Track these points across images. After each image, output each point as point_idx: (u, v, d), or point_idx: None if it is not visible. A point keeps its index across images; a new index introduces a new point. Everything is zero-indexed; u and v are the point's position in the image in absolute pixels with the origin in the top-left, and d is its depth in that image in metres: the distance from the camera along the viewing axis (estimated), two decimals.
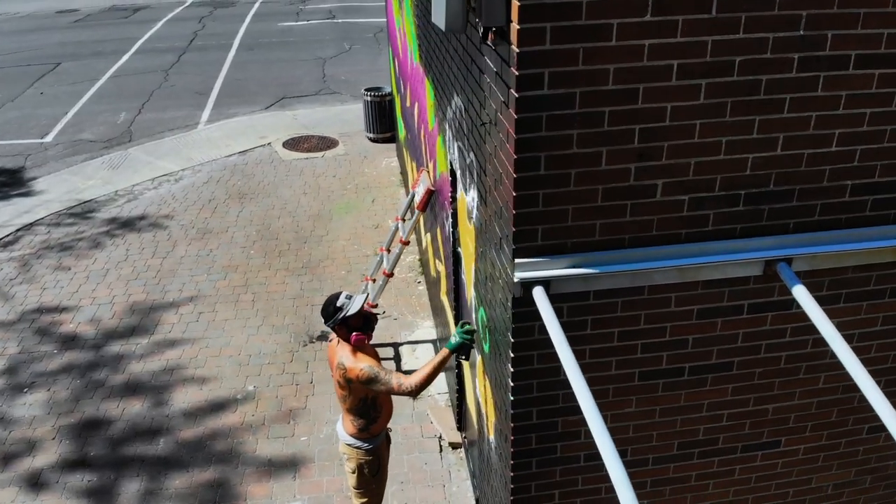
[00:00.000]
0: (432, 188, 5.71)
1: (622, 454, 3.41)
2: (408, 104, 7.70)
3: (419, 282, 7.73)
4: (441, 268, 5.72)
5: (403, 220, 6.35)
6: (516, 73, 2.50)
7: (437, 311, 6.54)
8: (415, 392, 3.95)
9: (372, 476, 4.36)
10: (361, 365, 3.97)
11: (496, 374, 3.48)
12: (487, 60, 2.98)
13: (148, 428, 5.83)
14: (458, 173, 4.22)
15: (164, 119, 12.95)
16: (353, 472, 4.35)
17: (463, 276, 4.82)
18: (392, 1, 8.61)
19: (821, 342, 3.33)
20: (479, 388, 4.24)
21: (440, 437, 5.73)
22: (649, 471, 3.55)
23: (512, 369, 3.13)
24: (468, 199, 3.93)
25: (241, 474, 5.41)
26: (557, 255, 2.86)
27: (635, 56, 2.55)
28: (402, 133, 9.32)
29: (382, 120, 11.66)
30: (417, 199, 5.87)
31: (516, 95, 2.54)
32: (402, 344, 6.81)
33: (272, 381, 6.35)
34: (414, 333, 6.96)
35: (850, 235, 3.03)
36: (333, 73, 15.66)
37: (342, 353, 4.06)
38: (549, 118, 2.59)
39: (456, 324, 5.22)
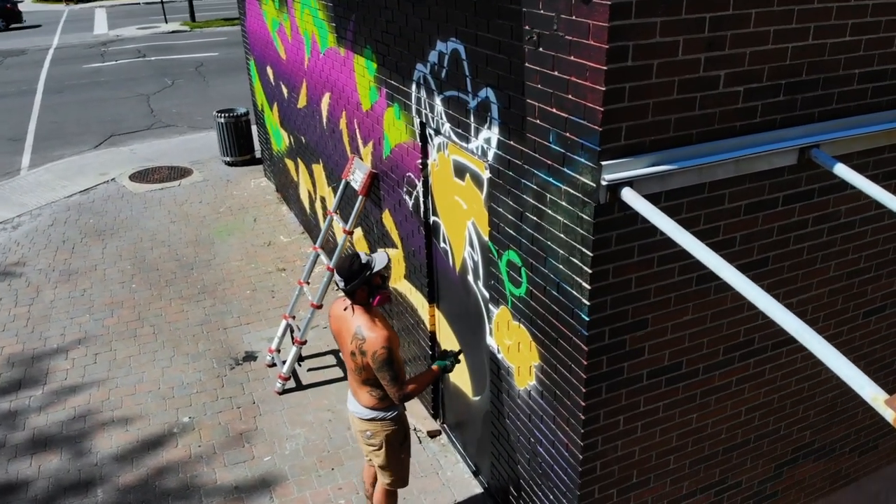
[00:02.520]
0: (374, 171, 5.48)
1: (678, 366, 3.47)
2: (301, 105, 7.37)
3: (336, 289, 7.33)
4: (393, 253, 5.47)
5: (337, 212, 6.02)
6: None
7: None
8: (405, 399, 3.84)
9: (400, 446, 4.07)
10: (382, 343, 3.69)
11: (552, 307, 3.35)
12: None
13: (77, 481, 4.93)
14: (446, 127, 4.08)
15: None
16: (381, 448, 4.01)
17: (444, 245, 4.64)
18: (262, 13, 8.24)
19: (835, 230, 3.62)
20: (496, 346, 4.07)
21: (415, 429, 5.42)
22: (699, 382, 3.60)
23: (589, 287, 3.04)
24: (473, 146, 3.79)
25: None
26: (639, 154, 2.84)
27: None
28: (281, 145, 8.89)
29: (240, 142, 11.08)
30: (358, 185, 5.59)
31: None
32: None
33: (209, 409, 5.68)
34: None
35: (860, 121, 3.31)
36: (162, 107, 14.67)
37: (359, 322, 3.77)
38: (638, 4, 2.59)
39: (431, 302, 5.02)
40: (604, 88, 2.67)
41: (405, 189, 4.99)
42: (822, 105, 3.23)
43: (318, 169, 7.31)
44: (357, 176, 5.65)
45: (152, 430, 5.45)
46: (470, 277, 4.36)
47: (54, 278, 7.74)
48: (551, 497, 3.82)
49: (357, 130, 5.75)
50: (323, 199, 7.42)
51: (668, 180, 2.95)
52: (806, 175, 3.36)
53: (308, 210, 8.26)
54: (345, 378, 6.03)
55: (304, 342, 5.90)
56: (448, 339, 4.95)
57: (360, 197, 5.56)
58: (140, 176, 10.80)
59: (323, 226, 6.23)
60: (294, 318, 6.23)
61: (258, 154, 11.28)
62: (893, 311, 4.14)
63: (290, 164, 8.69)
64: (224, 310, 7.10)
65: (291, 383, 5.94)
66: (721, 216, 3.21)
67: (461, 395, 4.92)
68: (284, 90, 7.98)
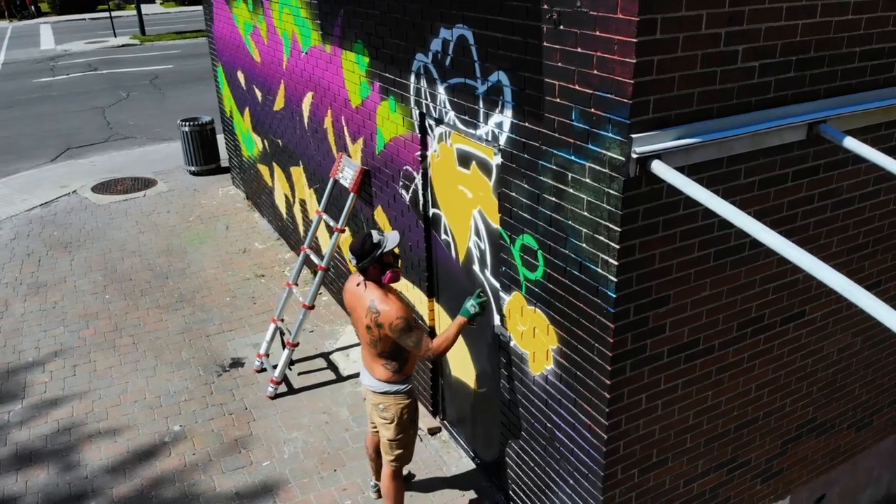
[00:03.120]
0: (365, 167, 5.42)
1: (696, 343, 3.51)
2: (278, 107, 7.27)
3: (320, 293, 7.22)
4: None
5: (325, 211, 5.93)
6: None
7: None
8: (435, 357, 3.98)
9: (410, 422, 4.14)
10: (397, 314, 3.82)
11: (573, 288, 3.35)
12: None
13: (68, 495, 4.72)
14: (450, 116, 4.06)
15: None
16: (392, 422, 4.08)
17: (445, 236, 4.62)
18: (233, 17, 8.12)
19: (838, 205, 3.73)
20: (507, 333, 4.05)
21: None
22: (714, 359, 3.64)
23: (617, 263, 3.05)
24: (482, 132, 3.78)
25: None
26: (666, 128, 2.87)
27: None
28: (252, 151, 8.75)
29: (205, 151, 10.88)
30: (348, 182, 5.53)
31: None
32: (331, 353, 6.31)
33: (199, 417, 5.51)
34: (339, 341, 6.48)
35: (862, 98, 3.42)
36: (118, 119, 14.33)
37: (372, 296, 3.88)
38: None
39: (431, 296, 4.98)
40: (634, 61, 2.69)
41: (401, 183, 4.95)
42: (828, 82, 3.32)
43: (298, 171, 7.21)
44: (347, 173, 5.59)
45: (142, 440, 5.26)
46: (475, 267, 4.34)
47: (23, 292, 7.44)
48: (571, 481, 3.81)
49: (345, 128, 5.70)
50: (303, 202, 7.31)
51: (691, 154, 2.99)
52: (812, 151, 3.45)
53: (285, 215, 8.14)
54: (337, 381, 5.94)
55: (297, 344, 5.79)
56: None
57: (351, 194, 5.49)
58: (103, 187, 10.50)
59: (311, 227, 6.12)
60: (283, 321, 6.10)
61: (224, 163, 11.10)
62: (888, 286, 4.27)
63: (263, 169, 8.55)
64: (205, 317, 6.92)
65: (283, 388, 5.81)
66: (738, 191, 3.27)
67: (464, 388, 4.89)
68: (258, 94, 7.87)
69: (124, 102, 15.62)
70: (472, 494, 4.72)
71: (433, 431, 5.31)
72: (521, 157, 3.51)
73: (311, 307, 5.75)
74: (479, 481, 4.83)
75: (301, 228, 7.62)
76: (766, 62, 3.06)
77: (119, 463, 5.03)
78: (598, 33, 2.82)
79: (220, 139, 11.13)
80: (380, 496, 4.69)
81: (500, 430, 4.43)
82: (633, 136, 2.80)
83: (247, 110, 8.56)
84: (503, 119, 3.58)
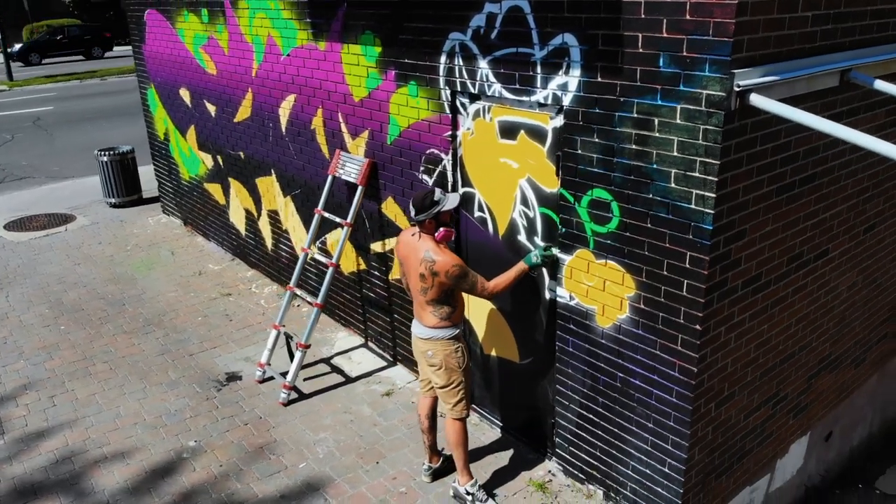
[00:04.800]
0: (373, 160, 5.42)
1: (759, 277, 3.81)
2: (241, 118, 7.08)
3: (298, 304, 7.02)
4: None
5: (323, 209, 5.83)
6: None
7: (358, 315, 6.09)
8: (493, 296, 4.22)
9: (459, 367, 4.26)
10: (452, 262, 4.03)
11: (658, 230, 3.54)
12: None
13: None
14: (494, 88, 4.19)
15: None
16: (440, 368, 4.25)
17: (479, 213, 4.70)
18: (177, 32, 7.86)
19: (855, 149, 4.18)
20: (567, 294, 4.18)
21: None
22: (770, 293, 3.94)
23: (714, 196, 3.28)
24: (539, 97, 3.94)
25: None
26: (755, 66, 3.16)
27: None
28: (197, 171, 8.41)
29: (127, 181, 10.31)
30: (354, 176, 5.48)
31: None
32: (331, 357, 6.14)
33: (213, 430, 5.19)
34: (335, 346, 6.33)
35: (877, 51, 3.90)
36: (8, 161, 13.33)
37: (426, 246, 4.08)
38: None
39: None
40: (736, 1, 2.97)
41: (423, 168, 4.99)
42: (849, 35, 3.77)
43: (267, 182, 7.03)
44: (350, 168, 5.55)
45: (157, 458, 4.89)
46: (521, 237, 4.45)
47: None
48: (650, 424, 3.95)
49: (342, 124, 5.67)
50: (273, 213, 7.12)
51: (771, 92, 3.28)
52: (840, 98, 3.88)
53: (244, 232, 7.86)
54: (347, 382, 5.79)
55: (309, 346, 5.60)
56: (480, 314, 4.96)
57: (359, 188, 5.46)
58: (17, 225, 9.69)
59: (311, 227, 5.95)
60: (284, 326, 5.89)
61: (147, 194, 10.56)
62: (881, 228, 4.79)
63: (212, 188, 8.24)
64: (181, 338, 6.54)
65: (293, 394, 5.59)
66: (792, 132, 3.62)
67: (499, 364, 4.93)
68: (211, 108, 7.62)
69: (11, 144, 14.52)
70: (519, 467, 4.75)
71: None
72: (592, 113, 3.69)
73: (323, 306, 5.61)
74: (525, 454, 4.87)
75: (269, 242, 7.40)
76: (816, 13, 3.44)
77: (139, 483, 4.65)
78: None
79: (142, 169, 10.61)
80: (434, 479, 4.63)
81: (551, 396, 4.52)
82: (735, 71, 3.07)
83: (191, 129, 8.25)
84: (568, 80, 3.76)
